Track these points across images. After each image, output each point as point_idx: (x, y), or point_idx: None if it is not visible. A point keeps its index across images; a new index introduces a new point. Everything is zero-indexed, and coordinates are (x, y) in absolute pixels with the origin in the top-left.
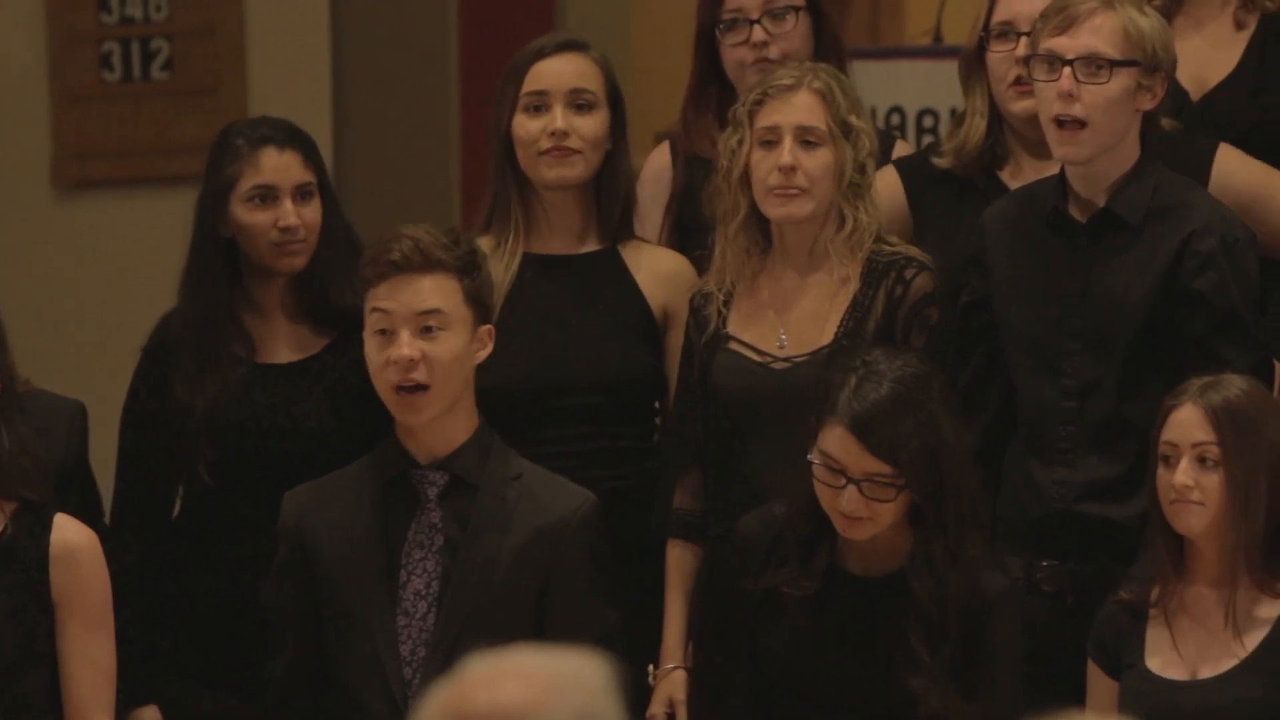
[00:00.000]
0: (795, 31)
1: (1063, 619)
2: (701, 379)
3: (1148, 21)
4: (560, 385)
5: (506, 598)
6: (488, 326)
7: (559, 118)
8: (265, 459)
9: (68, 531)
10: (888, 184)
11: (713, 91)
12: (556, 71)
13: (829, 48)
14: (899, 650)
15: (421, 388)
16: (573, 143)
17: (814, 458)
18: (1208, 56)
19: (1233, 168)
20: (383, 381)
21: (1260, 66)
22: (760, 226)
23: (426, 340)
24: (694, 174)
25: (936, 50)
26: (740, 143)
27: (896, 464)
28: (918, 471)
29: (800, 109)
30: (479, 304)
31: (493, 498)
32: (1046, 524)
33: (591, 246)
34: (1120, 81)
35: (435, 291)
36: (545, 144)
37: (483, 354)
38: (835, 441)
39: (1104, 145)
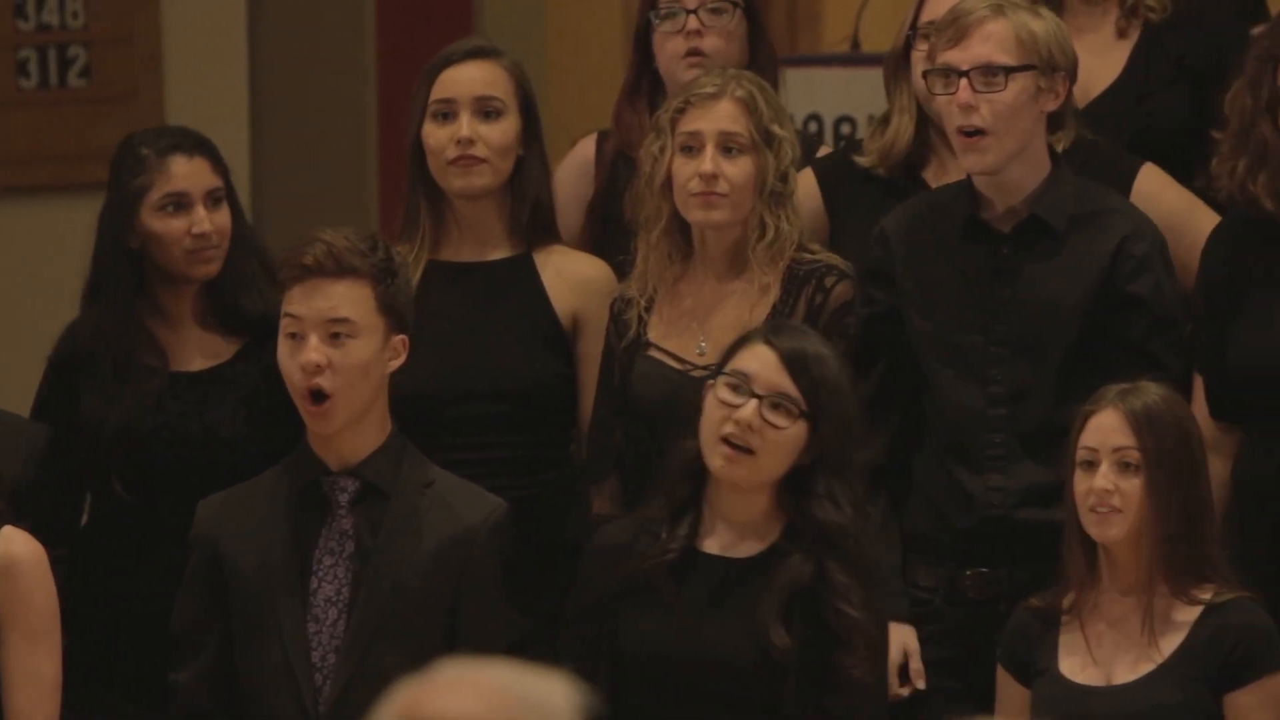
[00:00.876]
0: (730, 28)
1: (990, 627)
2: (621, 386)
3: (1041, 23)
4: (462, 393)
5: (418, 605)
6: (402, 336)
7: (465, 126)
8: (180, 467)
9: (13, 543)
10: (805, 186)
11: (645, 88)
12: (464, 79)
13: (764, 55)
14: (755, 631)
15: (325, 395)
16: (478, 151)
17: (725, 373)
18: (1089, 64)
19: (1155, 191)
20: (292, 385)
21: (1146, 73)
22: (683, 233)
23: (334, 347)
24: (619, 172)
25: (854, 58)
26: (662, 149)
27: (809, 391)
28: (826, 408)
29: (722, 116)
30: (393, 312)
31: (405, 505)
32: (979, 532)
33: (504, 253)
34: (1017, 86)
35: (346, 299)
36: (452, 152)
37: (395, 363)
38: (753, 356)
39: (1009, 152)
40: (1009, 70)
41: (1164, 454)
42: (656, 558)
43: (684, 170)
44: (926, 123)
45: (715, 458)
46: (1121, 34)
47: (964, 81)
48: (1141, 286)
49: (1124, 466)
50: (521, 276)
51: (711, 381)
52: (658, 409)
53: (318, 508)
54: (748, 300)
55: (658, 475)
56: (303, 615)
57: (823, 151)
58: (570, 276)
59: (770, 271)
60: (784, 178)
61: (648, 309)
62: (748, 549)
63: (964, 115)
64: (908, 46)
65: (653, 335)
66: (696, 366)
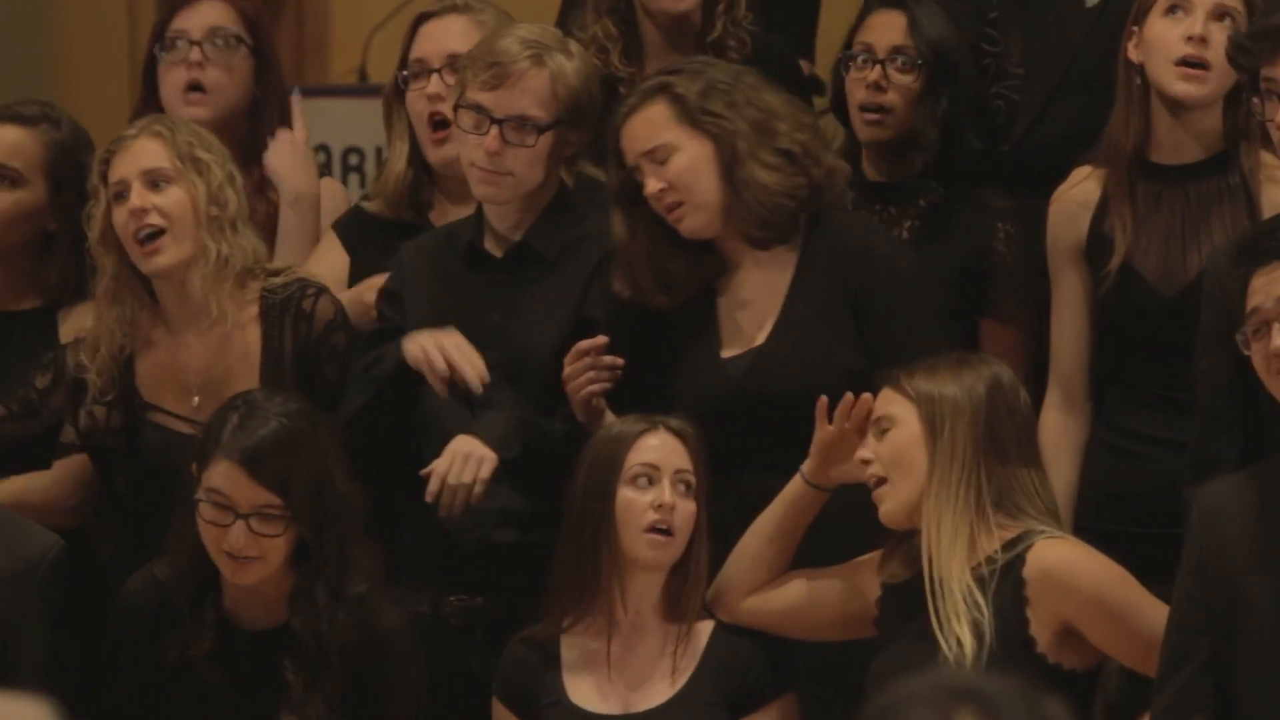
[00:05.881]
0: (234, 64)
1: (469, 654)
2: (125, 446)
3: (573, 65)
4: None
5: None
6: None
7: None
8: None
9: None
10: (333, 249)
11: None
12: None
13: (273, 90)
14: (285, 695)
15: None
16: None
17: (201, 496)
18: None
19: None
20: None
21: None
22: (144, 284)
23: None
24: None
25: (362, 89)
26: (98, 205)
27: (285, 496)
28: (305, 503)
29: (142, 154)
30: None
31: None
32: (457, 556)
33: (33, 304)
34: (546, 141)
35: None
36: None
37: None
38: (222, 476)
39: (523, 192)
40: (541, 128)
41: (701, 476)
42: (195, 648)
43: (119, 217)
44: (425, 165)
45: (224, 569)
46: None
47: (495, 129)
48: (599, 310)
49: (687, 488)
50: (39, 332)
51: (198, 500)
52: (171, 469)
53: None
54: (235, 345)
55: (172, 532)
56: None
57: (325, 181)
58: (81, 328)
59: (241, 305)
60: (217, 201)
61: (129, 366)
62: (272, 618)
63: (490, 161)
64: (398, 85)
65: (146, 394)
66: (196, 422)
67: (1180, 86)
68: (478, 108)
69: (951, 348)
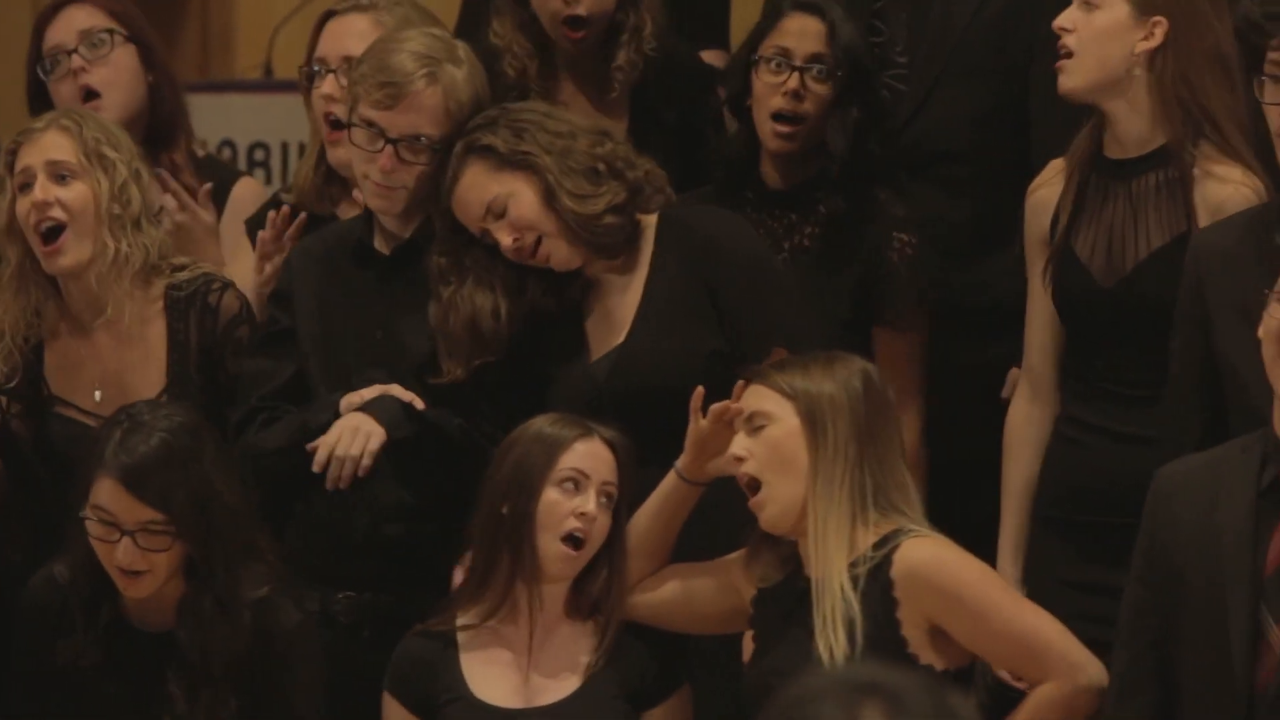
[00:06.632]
0: (114, 58)
1: (358, 651)
2: (30, 434)
3: (464, 73)
4: None
5: None
6: None
7: None
8: None
9: None
10: (248, 247)
11: None
12: None
13: (160, 78)
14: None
15: None
16: None
17: (87, 514)
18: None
19: None
20: None
21: (645, 144)
22: (49, 276)
23: None
24: None
25: (267, 84)
26: (3, 195)
27: (168, 512)
28: (188, 519)
29: (49, 146)
30: None
31: None
32: (345, 552)
33: None
34: (440, 156)
35: None
36: None
37: None
38: (106, 494)
39: (416, 200)
40: (434, 147)
41: (623, 491)
42: (84, 658)
43: (22, 208)
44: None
45: (116, 581)
46: (619, 103)
47: (389, 149)
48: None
49: (608, 500)
50: None
51: (85, 518)
52: (72, 462)
53: None
54: (140, 341)
55: (69, 538)
56: None
57: (245, 181)
58: None
59: (146, 301)
60: (121, 199)
61: (38, 357)
62: (166, 620)
63: (384, 178)
64: (304, 82)
65: (53, 385)
66: (97, 415)
67: (1058, 83)
68: (370, 125)
69: (810, 325)
